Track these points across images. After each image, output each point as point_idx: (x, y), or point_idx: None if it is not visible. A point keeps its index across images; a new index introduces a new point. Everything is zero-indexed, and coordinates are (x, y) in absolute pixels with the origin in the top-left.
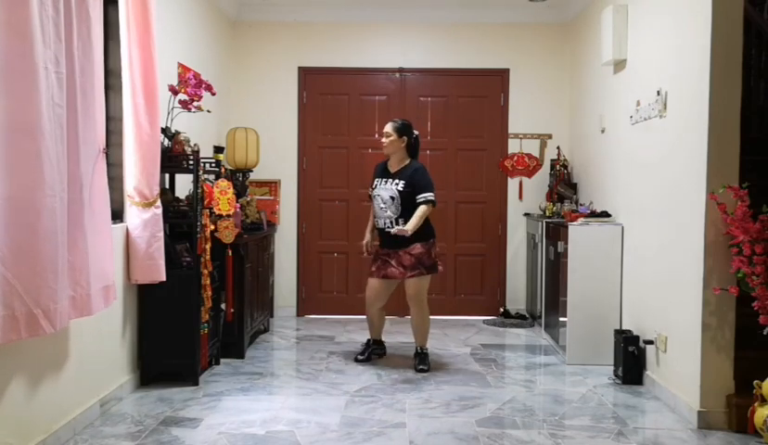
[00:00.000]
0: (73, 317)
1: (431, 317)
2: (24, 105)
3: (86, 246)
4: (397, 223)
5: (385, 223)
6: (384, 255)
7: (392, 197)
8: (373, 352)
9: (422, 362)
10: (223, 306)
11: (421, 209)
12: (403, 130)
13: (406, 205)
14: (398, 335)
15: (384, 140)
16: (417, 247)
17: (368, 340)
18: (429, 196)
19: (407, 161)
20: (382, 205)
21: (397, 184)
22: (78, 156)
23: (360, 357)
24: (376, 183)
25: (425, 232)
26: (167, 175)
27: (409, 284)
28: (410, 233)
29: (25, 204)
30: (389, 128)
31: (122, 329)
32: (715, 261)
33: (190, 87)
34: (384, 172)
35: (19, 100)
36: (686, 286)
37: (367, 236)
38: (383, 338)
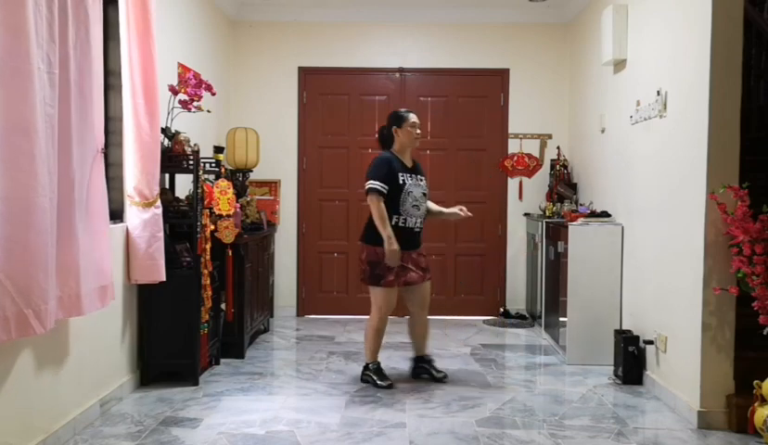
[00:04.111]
0: (60, 317)
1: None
2: (21, 104)
3: (78, 246)
4: (423, 221)
5: (415, 222)
6: (402, 259)
7: (424, 194)
8: (420, 370)
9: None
10: (223, 306)
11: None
12: None
13: None
14: (397, 335)
15: (419, 132)
16: (423, 248)
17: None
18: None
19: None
20: (415, 203)
21: (421, 180)
22: (71, 156)
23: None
24: (403, 178)
25: None
26: (167, 175)
27: (427, 287)
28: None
29: (20, 204)
30: (418, 119)
31: (122, 329)
32: (715, 261)
33: (190, 87)
34: (405, 167)
35: (16, 99)
36: (686, 286)
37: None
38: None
